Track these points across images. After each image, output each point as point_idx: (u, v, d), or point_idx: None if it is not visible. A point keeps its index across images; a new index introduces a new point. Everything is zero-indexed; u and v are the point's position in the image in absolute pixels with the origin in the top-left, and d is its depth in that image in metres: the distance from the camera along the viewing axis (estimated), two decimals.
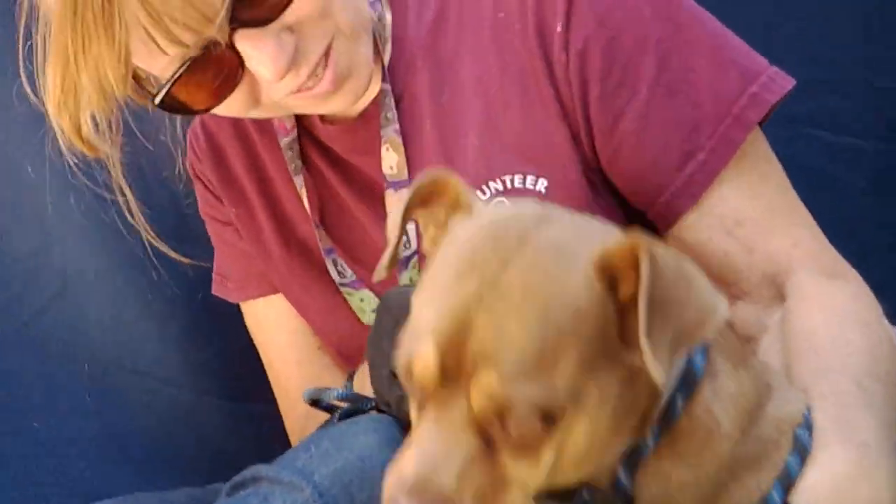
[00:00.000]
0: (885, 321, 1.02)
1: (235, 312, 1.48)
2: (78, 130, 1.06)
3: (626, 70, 1.05)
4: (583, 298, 0.69)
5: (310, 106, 1.10)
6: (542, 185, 1.08)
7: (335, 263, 1.21)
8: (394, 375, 0.92)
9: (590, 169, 1.09)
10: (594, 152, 1.08)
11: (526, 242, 0.71)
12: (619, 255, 0.71)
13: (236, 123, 1.26)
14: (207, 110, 1.07)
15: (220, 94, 1.04)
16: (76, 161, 1.43)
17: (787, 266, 1.05)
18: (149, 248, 1.49)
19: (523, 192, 1.08)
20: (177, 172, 1.34)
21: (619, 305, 0.71)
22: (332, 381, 1.27)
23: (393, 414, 0.96)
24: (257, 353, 1.43)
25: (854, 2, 1.53)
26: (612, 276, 0.70)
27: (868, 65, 1.53)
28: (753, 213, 1.05)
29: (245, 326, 1.40)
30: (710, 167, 1.04)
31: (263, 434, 1.47)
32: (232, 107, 1.07)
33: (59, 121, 1.06)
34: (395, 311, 0.94)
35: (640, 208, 1.10)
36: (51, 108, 1.05)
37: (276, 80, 1.01)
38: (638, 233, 0.72)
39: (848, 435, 0.84)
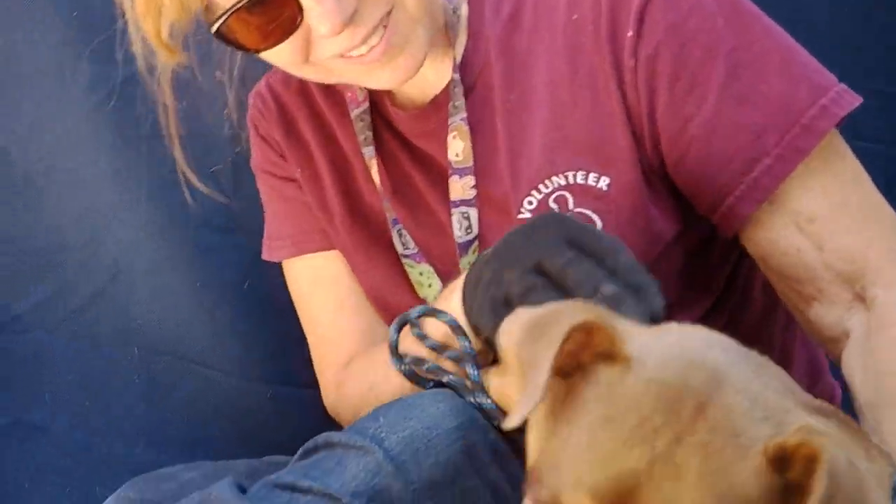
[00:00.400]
0: None
1: (281, 299, 1.53)
2: (158, 34, 1.12)
3: (695, 77, 1.05)
4: (754, 487, 0.67)
5: (357, 74, 1.13)
6: (604, 182, 1.10)
7: (400, 234, 1.23)
8: (505, 302, 0.92)
9: (650, 171, 1.10)
10: (658, 155, 1.10)
11: (700, 417, 0.67)
12: (795, 451, 0.67)
13: (304, 91, 1.30)
14: (258, 51, 1.10)
15: (274, 39, 1.07)
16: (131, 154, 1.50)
17: (863, 267, 1.04)
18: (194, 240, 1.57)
19: (585, 189, 1.10)
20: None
21: (787, 485, 0.68)
22: (383, 332, 1.28)
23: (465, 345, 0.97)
24: (303, 339, 1.47)
25: (865, 9, 1.56)
26: (783, 463, 0.68)
27: (879, 71, 1.56)
28: (824, 211, 1.05)
29: (292, 313, 1.43)
30: (776, 172, 1.04)
31: (309, 419, 1.50)
32: (282, 56, 1.10)
33: (143, 24, 1.11)
34: (539, 242, 0.94)
35: (703, 212, 1.11)
36: (138, 11, 1.10)
37: (331, 35, 1.04)
38: (813, 427, 0.69)
39: None
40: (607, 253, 0.92)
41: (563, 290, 0.89)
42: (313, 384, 1.53)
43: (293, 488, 0.89)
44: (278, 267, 1.57)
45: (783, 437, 0.68)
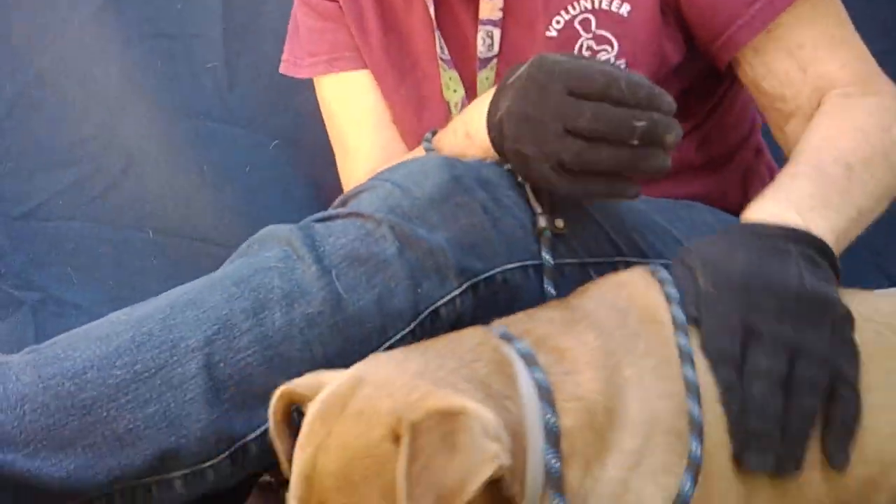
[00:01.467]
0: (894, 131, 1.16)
1: (280, 178, 1.68)
2: None
3: None
4: (382, 449, 0.82)
5: None
6: (625, 9, 1.24)
7: (439, 39, 1.33)
8: (565, 170, 1.02)
9: (664, 2, 1.24)
10: None
11: (343, 412, 0.84)
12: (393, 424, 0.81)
13: None
14: None
15: None
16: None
17: (833, 83, 1.21)
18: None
19: (608, 14, 1.24)
20: None
21: None
22: (401, 150, 1.40)
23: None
24: (301, 213, 1.60)
25: None
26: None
27: None
28: (811, 39, 1.21)
29: (293, 191, 1.54)
30: (778, 4, 1.19)
31: None
32: None
33: None
34: (551, 107, 1.02)
35: (704, 41, 1.25)
36: None
37: None
38: (409, 404, 0.83)
39: (783, 194, 1.04)
40: (611, 84, 1.00)
41: (604, 142, 1.00)
42: None
43: (326, 219, 1.07)
44: (277, 151, 1.74)
45: (400, 410, 0.82)
